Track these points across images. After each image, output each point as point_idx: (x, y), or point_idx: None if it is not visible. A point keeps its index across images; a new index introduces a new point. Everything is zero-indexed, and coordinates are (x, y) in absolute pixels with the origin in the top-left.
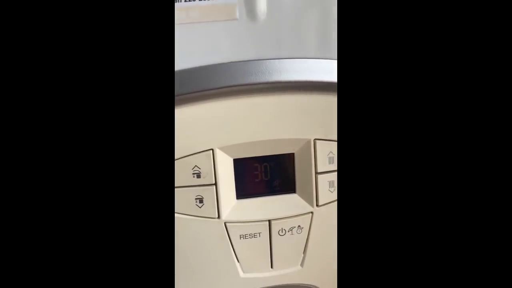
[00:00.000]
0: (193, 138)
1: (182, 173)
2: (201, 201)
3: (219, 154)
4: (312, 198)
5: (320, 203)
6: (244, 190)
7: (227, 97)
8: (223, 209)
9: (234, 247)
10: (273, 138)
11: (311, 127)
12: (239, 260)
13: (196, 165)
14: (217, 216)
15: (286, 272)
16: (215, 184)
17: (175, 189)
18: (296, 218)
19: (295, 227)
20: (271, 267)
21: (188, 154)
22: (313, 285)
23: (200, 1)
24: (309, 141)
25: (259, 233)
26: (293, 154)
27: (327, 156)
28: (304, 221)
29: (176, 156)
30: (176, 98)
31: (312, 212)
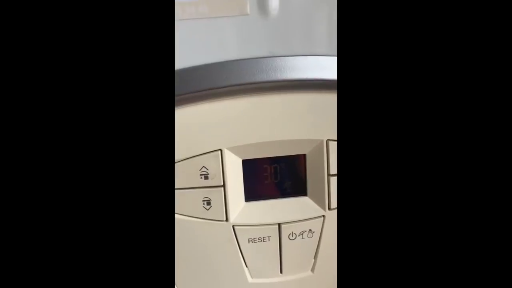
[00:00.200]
0: (201, 138)
1: (189, 174)
2: (208, 203)
3: (228, 155)
4: (324, 201)
5: (332, 207)
6: (253, 192)
7: (237, 96)
8: (231, 211)
9: (243, 251)
10: (284, 139)
11: (324, 127)
12: (248, 265)
13: (204, 166)
14: (225, 219)
15: (296, 277)
16: (223, 185)
17: (182, 190)
18: (307, 221)
19: (306, 231)
20: (281, 272)
21: (195, 154)
22: None
23: None
24: (321, 142)
25: (269, 237)
26: (304, 155)
27: None
28: (316, 225)
29: (183, 157)
30: (183, 96)
31: (324, 216)
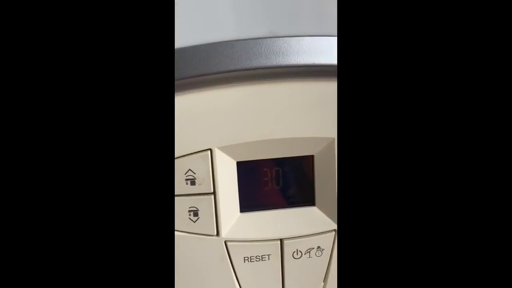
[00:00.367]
0: (187, 135)
1: None
2: (195, 214)
3: (219, 156)
4: (336, 213)
5: None
6: (249, 201)
7: (231, 84)
8: (223, 224)
9: (237, 272)
10: (287, 137)
11: (335, 123)
12: None
13: (190, 169)
14: (215, 233)
15: None
16: (214, 193)
17: None
18: (315, 237)
19: (313, 248)
20: None
21: (180, 155)
22: None
23: None
24: (332, 141)
25: (268, 255)
26: (312, 156)
27: None
28: (326, 241)
29: None
30: None
31: (335, 230)
